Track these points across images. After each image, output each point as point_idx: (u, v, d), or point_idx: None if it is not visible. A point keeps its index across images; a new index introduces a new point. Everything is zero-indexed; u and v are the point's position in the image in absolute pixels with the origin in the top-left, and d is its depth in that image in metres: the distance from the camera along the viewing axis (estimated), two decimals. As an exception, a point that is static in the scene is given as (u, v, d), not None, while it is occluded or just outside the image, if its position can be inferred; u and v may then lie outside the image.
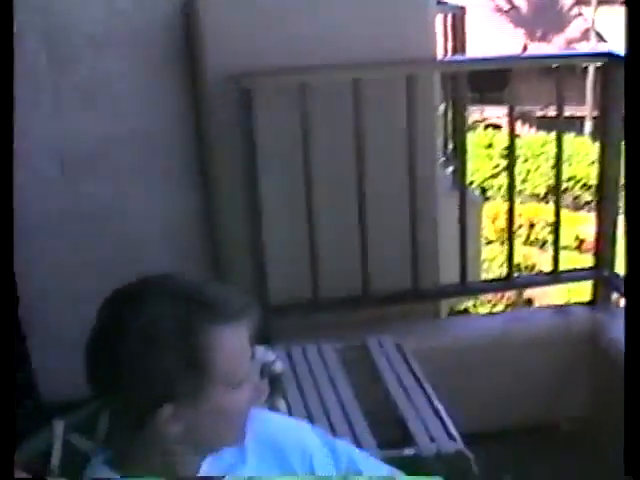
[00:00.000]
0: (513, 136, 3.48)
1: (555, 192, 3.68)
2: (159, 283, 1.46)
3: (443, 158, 4.92)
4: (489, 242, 11.36)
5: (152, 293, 1.44)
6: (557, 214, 3.58)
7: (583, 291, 4.06)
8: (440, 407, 2.77)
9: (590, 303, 3.67)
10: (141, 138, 3.59)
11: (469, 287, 3.62)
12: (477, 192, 10.22)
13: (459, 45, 5.79)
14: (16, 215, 3.59)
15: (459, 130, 3.82)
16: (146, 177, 3.67)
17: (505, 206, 3.64)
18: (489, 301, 9.65)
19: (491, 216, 11.70)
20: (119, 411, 1.49)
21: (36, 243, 3.69)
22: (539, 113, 19.71)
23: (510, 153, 3.55)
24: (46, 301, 3.77)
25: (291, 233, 3.39)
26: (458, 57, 5.57)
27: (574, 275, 3.83)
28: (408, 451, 2.58)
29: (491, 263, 10.82)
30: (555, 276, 3.68)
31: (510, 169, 3.57)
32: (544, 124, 17.41)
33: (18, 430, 1.70)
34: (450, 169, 4.93)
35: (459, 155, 3.62)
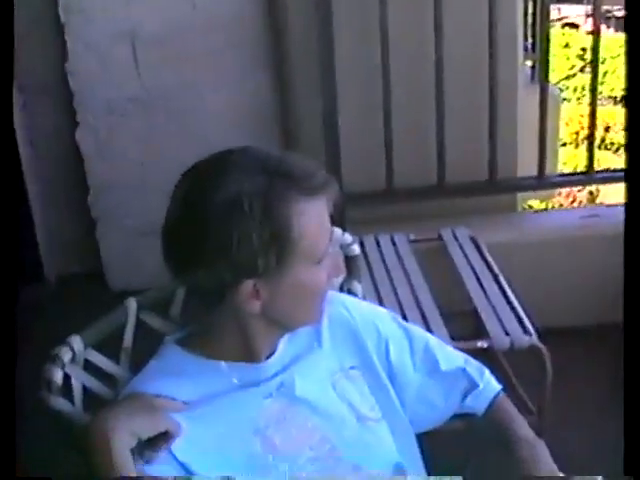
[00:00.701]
0: (598, 34, 3.31)
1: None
2: (240, 155, 1.40)
3: (523, 52, 4.78)
4: (563, 144, 11.13)
5: (234, 165, 1.38)
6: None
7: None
8: (515, 301, 2.72)
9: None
10: (212, 22, 3.52)
11: (547, 180, 3.51)
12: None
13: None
14: (83, 101, 3.61)
15: (543, 21, 3.65)
16: (216, 64, 3.61)
17: (580, 109, 3.51)
18: (561, 205, 9.48)
19: (565, 118, 11.44)
20: (198, 290, 1.45)
21: (102, 132, 3.67)
22: (619, 13, 19.08)
23: (594, 52, 3.38)
24: (112, 191, 3.76)
25: (366, 121, 3.32)
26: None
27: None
28: (481, 344, 2.54)
29: (564, 166, 10.61)
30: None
31: (594, 67, 3.41)
32: (623, 25, 16.88)
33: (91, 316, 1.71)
34: (529, 63, 4.81)
35: (541, 48, 3.47)
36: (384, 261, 3.02)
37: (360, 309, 1.70)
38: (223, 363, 1.50)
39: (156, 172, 3.67)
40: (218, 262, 1.36)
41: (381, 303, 2.68)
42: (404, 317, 2.57)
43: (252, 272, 1.37)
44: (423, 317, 2.65)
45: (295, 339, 1.58)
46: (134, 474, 1.33)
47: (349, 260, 1.92)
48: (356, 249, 1.93)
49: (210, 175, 1.38)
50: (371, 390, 1.62)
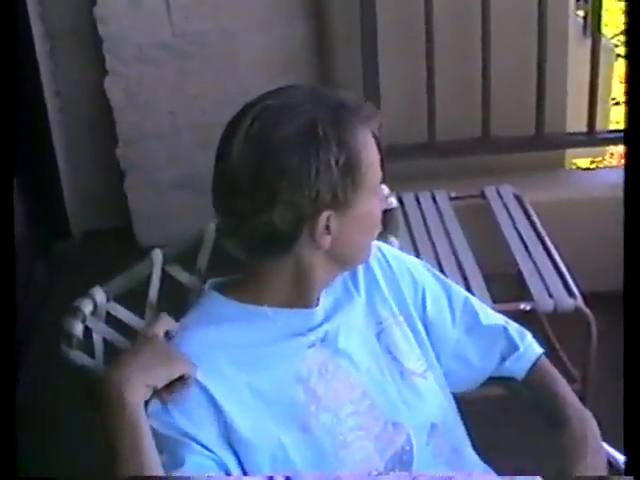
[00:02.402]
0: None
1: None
2: (302, 89, 1.47)
3: (575, 1, 4.70)
4: (616, 103, 10.96)
5: (300, 97, 1.43)
6: None
7: None
8: (560, 263, 2.70)
9: None
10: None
11: (596, 136, 3.44)
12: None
13: None
14: (112, 48, 3.60)
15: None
16: (252, 8, 3.58)
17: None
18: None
19: (620, 75, 11.24)
20: (267, 233, 1.42)
21: (132, 80, 3.66)
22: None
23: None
24: (141, 142, 3.76)
25: (407, 69, 3.27)
26: None
27: None
28: (524, 306, 2.53)
29: (616, 126, 10.45)
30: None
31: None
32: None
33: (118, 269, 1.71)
34: (581, 14, 4.71)
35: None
36: (424, 219, 3.00)
37: (396, 256, 1.70)
38: (268, 309, 1.50)
39: (188, 122, 3.67)
40: (297, 196, 1.38)
41: (417, 256, 2.63)
42: (442, 272, 2.55)
43: (332, 202, 1.40)
44: (464, 278, 2.64)
45: (332, 288, 1.58)
46: (145, 431, 1.34)
47: (385, 213, 1.88)
48: (393, 202, 1.92)
49: (278, 107, 1.41)
50: None
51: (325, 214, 1.41)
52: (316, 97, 1.43)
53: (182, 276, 1.76)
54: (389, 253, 1.69)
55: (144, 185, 3.80)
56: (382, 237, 1.86)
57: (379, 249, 1.67)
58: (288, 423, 1.44)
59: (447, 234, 2.91)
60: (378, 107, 3.08)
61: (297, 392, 1.47)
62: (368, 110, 1.46)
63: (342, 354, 1.53)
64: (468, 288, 2.52)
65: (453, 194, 3.16)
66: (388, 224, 1.88)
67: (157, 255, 1.74)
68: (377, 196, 1.50)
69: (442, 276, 1.75)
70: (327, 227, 1.42)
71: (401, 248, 1.86)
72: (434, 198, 3.13)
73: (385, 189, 1.89)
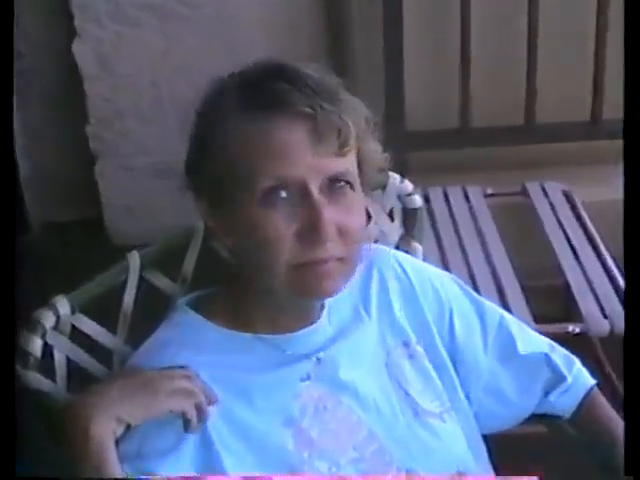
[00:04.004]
0: None
1: None
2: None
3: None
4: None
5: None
6: None
7: None
8: (617, 274, 2.69)
9: None
10: None
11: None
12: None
13: None
14: (82, 4, 3.59)
15: None
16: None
17: None
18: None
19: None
20: None
21: (107, 44, 3.65)
22: None
23: None
24: (117, 119, 3.77)
25: (438, 43, 3.30)
26: None
27: None
28: (573, 328, 2.52)
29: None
30: None
31: None
32: None
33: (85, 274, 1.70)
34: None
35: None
36: (453, 219, 3.01)
37: (417, 269, 1.70)
38: (248, 335, 1.50)
39: (174, 97, 3.67)
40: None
41: (445, 267, 2.66)
42: (475, 289, 2.55)
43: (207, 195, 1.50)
44: (499, 291, 2.64)
45: (338, 308, 1.58)
46: (115, 469, 1.33)
47: (408, 214, 1.91)
48: (417, 200, 1.92)
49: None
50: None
51: (202, 205, 1.49)
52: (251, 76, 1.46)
53: (164, 284, 1.75)
54: (409, 264, 1.69)
55: (119, 171, 3.80)
56: (403, 243, 1.86)
57: (396, 259, 1.68)
58: (276, 470, 1.44)
59: (481, 238, 2.91)
60: (401, 86, 3.14)
61: (285, 437, 1.47)
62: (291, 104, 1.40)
63: (344, 387, 1.53)
64: (505, 305, 2.52)
65: (489, 190, 3.16)
66: (410, 227, 1.90)
67: (134, 258, 1.73)
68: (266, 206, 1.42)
69: (474, 293, 1.75)
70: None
71: (425, 257, 1.86)
72: (466, 195, 3.13)
73: (407, 186, 1.90)
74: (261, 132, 1.40)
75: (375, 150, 1.50)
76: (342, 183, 1.42)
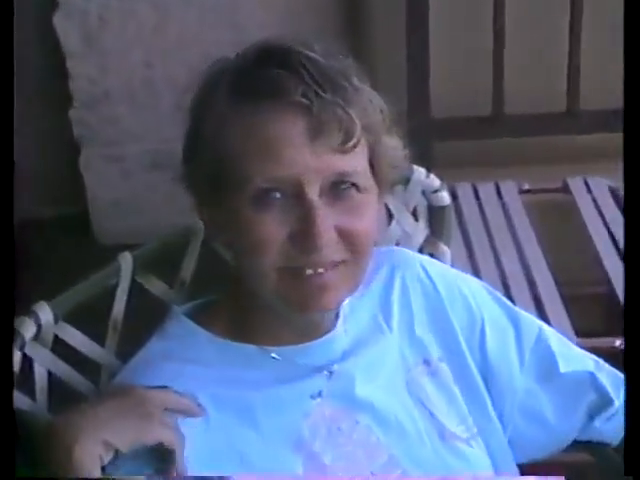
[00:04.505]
0: None
1: None
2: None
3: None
4: None
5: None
6: None
7: None
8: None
9: None
10: None
11: None
12: None
13: None
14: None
15: None
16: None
17: None
18: None
19: None
20: None
21: (93, 17, 3.66)
22: None
23: None
24: (104, 103, 3.79)
25: (468, 18, 3.30)
26: None
27: None
28: (620, 343, 2.51)
29: None
30: None
31: None
32: None
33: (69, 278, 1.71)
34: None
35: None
36: (484, 219, 3.01)
37: (444, 274, 1.70)
38: (252, 347, 1.50)
39: (168, 77, 3.68)
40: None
41: (475, 273, 2.66)
42: (510, 299, 2.55)
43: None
44: (537, 301, 2.64)
45: (355, 316, 1.58)
46: None
47: (434, 213, 1.92)
48: (445, 197, 1.92)
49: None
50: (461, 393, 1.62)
51: (194, 201, 1.51)
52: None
53: (159, 289, 1.76)
54: (435, 270, 1.69)
55: (106, 162, 3.81)
56: (428, 245, 1.86)
57: (421, 264, 1.68)
58: None
59: (515, 240, 2.91)
60: (426, 68, 3.14)
61: (293, 464, 1.47)
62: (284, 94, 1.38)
63: (360, 405, 1.53)
64: (543, 316, 2.52)
65: (526, 186, 3.16)
66: (436, 227, 1.90)
67: (126, 259, 1.74)
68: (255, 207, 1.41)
69: (509, 302, 1.74)
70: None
71: (453, 262, 1.86)
72: (499, 191, 3.13)
73: (434, 181, 1.91)
74: (251, 126, 1.39)
75: (393, 146, 1.48)
76: (347, 184, 1.41)
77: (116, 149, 3.79)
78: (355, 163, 1.41)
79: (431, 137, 3.10)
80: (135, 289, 1.74)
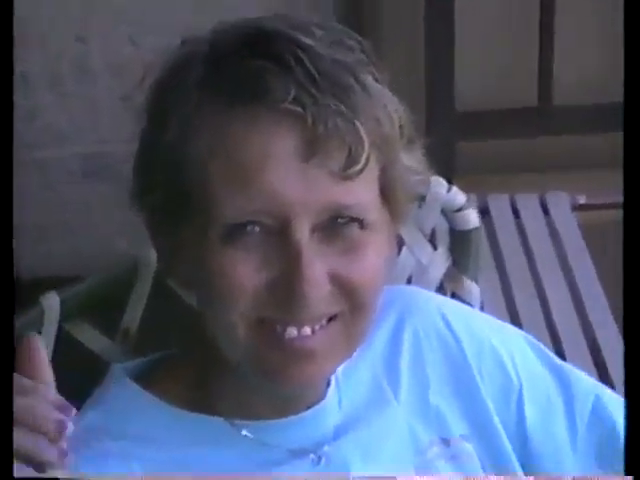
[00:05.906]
0: None
1: None
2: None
3: None
4: None
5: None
6: None
7: None
8: None
9: None
10: None
11: None
12: None
13: None
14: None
15: None
16: None
17: None
18: None
19: None
20: None
21: None
22: None
23: None
24: (25, 90, 3.77)
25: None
26: None
27: None
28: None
29: None
30: None
31: None
32: None
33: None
34: None
35: None
36: (525, 243, 3.03)
37: (471, 325, 1.69)
38: (218, 420, 1.50)
39: (109, 58, 3.68)
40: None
41: (514, 319, 2.68)
42: (559, 352, 2.57)
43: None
44: (595, 353, 2.67)
45: (353, 381, 1.59)
46: None
47: (458, 237, 1.91)
48: (472, 217, 1.91)
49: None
50: None
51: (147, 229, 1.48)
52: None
53: (95, 341, 1.77)
54: (458, 318, 1.67)
55: (23, 169, 3.83)
56: (450, 281, 1.88)
57: (440, 311, 1.66)
58: None
59: (566, 268, 2.94)
60: (450, 54, 3.18)
61: None
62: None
63: None
64: (603, 374, 2.54)
65: (582, 200, 3.19)
66: (461, 257, 1.91)
67: (51, 302, 1.74)
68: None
69: (557, 359, 1.74)
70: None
71: (483, 303, 1.86)
72: (545, 206, 3.16)
73: (458, 195, 1.89)
74: (223, 137, 1.35)
75: (412, 167, 1.43)
76: (346, 219, 1.36)
77: (37, 152, 3.80)
78: (360, 193, 1.35)
79: (455, 135, 3.14)
80: (63, 340, 1.74)
